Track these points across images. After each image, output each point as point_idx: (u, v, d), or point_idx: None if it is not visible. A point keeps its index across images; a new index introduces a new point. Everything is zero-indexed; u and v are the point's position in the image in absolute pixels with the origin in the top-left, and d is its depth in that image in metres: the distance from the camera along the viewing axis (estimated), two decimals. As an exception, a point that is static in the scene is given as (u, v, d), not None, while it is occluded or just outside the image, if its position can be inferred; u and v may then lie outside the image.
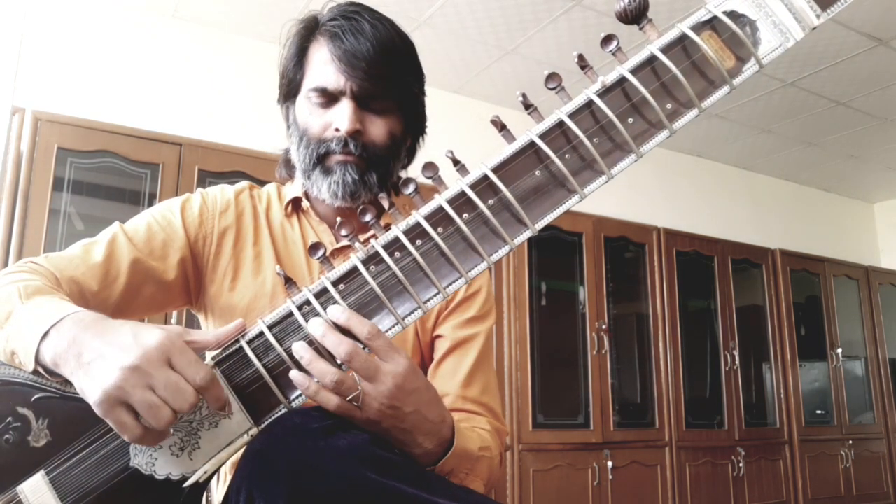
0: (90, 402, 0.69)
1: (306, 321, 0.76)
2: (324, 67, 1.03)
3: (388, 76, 1.03)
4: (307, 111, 1.06)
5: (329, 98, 1.04)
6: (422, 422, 0.80)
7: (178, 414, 0.69)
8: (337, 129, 1.02)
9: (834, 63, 3.58)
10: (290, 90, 1.10)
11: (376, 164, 1.05)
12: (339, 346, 0.74)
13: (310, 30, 1.07)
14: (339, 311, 0.75)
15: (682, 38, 0.76)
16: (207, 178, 2.78)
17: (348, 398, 0.75)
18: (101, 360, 0.69)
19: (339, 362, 0.75)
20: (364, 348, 0.76)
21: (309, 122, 1.06)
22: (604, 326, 3.63)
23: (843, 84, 3.80)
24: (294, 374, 0.74)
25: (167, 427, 0.69)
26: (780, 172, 5.19)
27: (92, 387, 0.68)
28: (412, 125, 1.13)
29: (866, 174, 5.21)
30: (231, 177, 2.78)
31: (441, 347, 1.08)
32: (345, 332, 0.75)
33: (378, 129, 1.05)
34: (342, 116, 1.02)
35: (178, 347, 0.70)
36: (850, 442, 4.51)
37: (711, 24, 0.76)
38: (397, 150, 1.10)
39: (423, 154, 1.17)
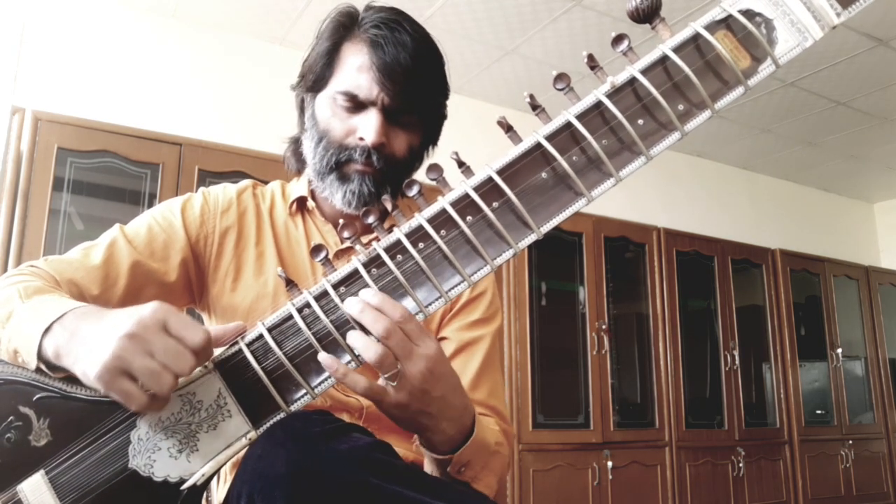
0: (92, 377, 0.69)
1: (307, 324, 0.75)
2: (359, 74, 1.01)
3: (421, 92, 1.03)
4: (330, 112, 1.05)
5: (357, 105, 1.02)
6: (447, 407, 0.81)
7: (179, 377, 0.70)
8: (361, 139, 1.01)
9: (834, 63, 3.58)
10: (314, 84, 1.08)
11: (392, 177, 1.04)
12: (377, 322, 0.73)
13: (347, 28, 1.05)
14: (371, 294, 0.74)
15: (696, 38, 0.74)
16: (207, 178, 2.78)
17: (387, 375, 0.74)
18: (99, 337, 0.70)
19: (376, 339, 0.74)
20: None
21: (331, 124, 1.04)
22: (604, 326, 3.63)
23: (843, 84, 3.80)
24: (323, 357, 0.74)
25: (170, 392, 0.69)
26: (780, 172, 5.19)
27: (92, 362, 0.69)
28: (430, 137, 1.13)
29: (866, 174, 5.21)
30: (231, 177, 2.78)
31: (446, 350, 1.07)
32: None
33: (401, 142, 1.05)
34: (369, 128, 1.01)
35: (172, 312, 0.71)
36: (850, 442, 4.51)
37: (726, 22, 0.74)
38: (413, 163, 1.10)
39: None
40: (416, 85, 1.01)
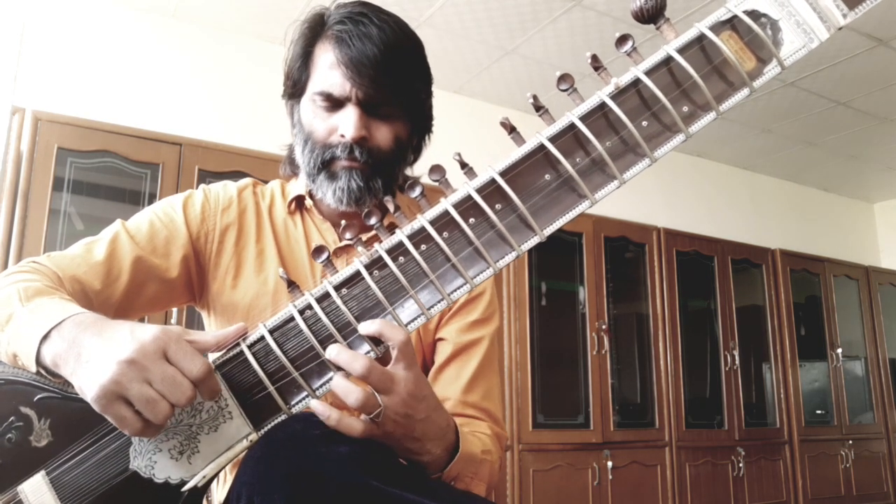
0: (88, 398, 0.68)
1: (307, 325, 0.75)
2: (329, 72, 1.02)
3: (395, 82, 1.02)
4: (312, 114, 1.05)
5: (334, 103, 1.02)
6: (431, 428, 0.80)
7: (176, 407, 0.69)
8: (342, 135, 1.01)
9: (834, 63, 3.58)
10: (294, 90, 1.09)
11: (381, 170, 1.04)
12: (354, 362, 0.73)
13: (315, 30, 1.06)
14: (369, 324, 0.75)
15: (701, 39, 0.74)
16: (207, 178, 2.77)
17: (371, 415, 0.74)
18: (98, 356, 0.69)
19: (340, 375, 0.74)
20: (368, 353, 0.75)
21: (314, 125, 1.05)
22: (604, 326, 3.63)
23: (843, 84, 3.80)
24: (315, 404, 0.74)
25: (165, 420, 0.69)
26: (780, 172, 5.19)
27: (90, 383, 0.68)
28: (418, 126, 1.12)
29: (866, 174, 5.21)
30: (231, 177, 2.73)
31: (444, 352, 1.07)
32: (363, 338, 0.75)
33: (384, 134, 1.04)
34: (348, 123, 1.01)
35: (174, 340, 0.70)
36: (850, 442, 4.51)
37: (731, 23, 0.74)
38: (403, 154, 1.09)
39: (423, 155, 1.16)
40: (387, 74, 1.00)
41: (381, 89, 1.01)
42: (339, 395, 0.74)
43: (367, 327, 0.75)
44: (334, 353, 0.74)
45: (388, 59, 1.00)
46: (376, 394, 0.75)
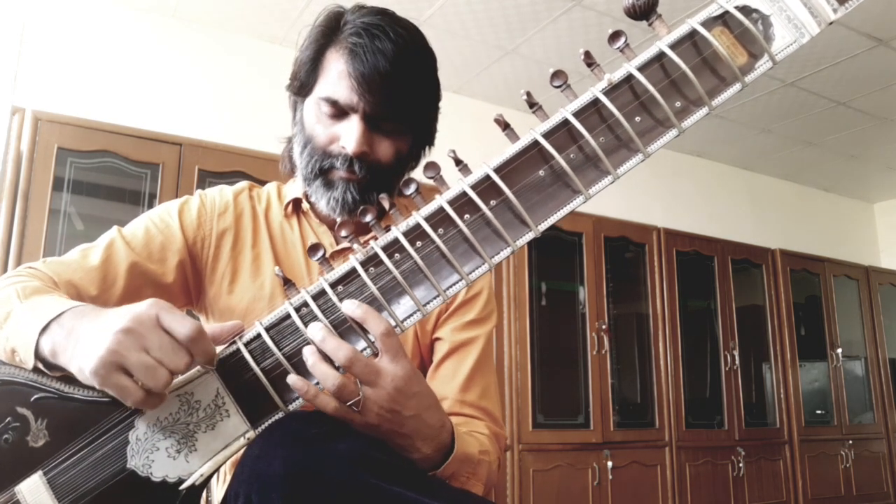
0: (88, 371, 0.69)
1: (304, 323, 0.75)
2: (338, 81, 1.00)
3: (403, 100, 1.00)
4: (315, 118, 1.04)
5: (339, 111, 1.01)
6: (421, 427, 0.80)
7: (175, 374, 0.70)
8: (343, 147, 1.01)
9: (834, 63, 3.58)
10: (301, 90, 1.08)
11: (379, 183, 1.02)
12: (339, 350, 0.73)
13: (328, 36, 1.04)
14: (355, 306, 0.75)
15: (693, 35, 0.74)
16: (207, 178, 2.78)
17: (348, 403, 0.74)
18: (95, 333, 0.70)
19: (337, 367, 0.74)
20: (364, 350, 0.75)
21: (316, 130, 1.04)
22: (604, 326, 3.63)
23: (843, 84, 3.80)
24: (292, 379, 0.74)
25: (165, 387, 0.69)
26: (780, 172, 5.18)
27: (88, 357, 0.69)
28: (421, 140, 1.11)
29: (866, 174, 5.20)
30: (231, 177, 2.78)
31: (440, 350, 1.08)
32: (353, 326, 0.75)
33: (385, 149, 1.03)
34: (350, 136, 0.99)
35: (166, 308, 0.71)
36: (850, 442, 4.51)
37: (723, 19, 0.74)
38: (402, 168, 1.08)
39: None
40: (397, 91, 0.99)
41: (388, 106, 1.00)
42: (317, 379, 0.74)
43: (351, 308, 0.75)
44: (319, 337, 0.74)
45: (399, 78, 0.98)
46: (360, 385, 0.75)
